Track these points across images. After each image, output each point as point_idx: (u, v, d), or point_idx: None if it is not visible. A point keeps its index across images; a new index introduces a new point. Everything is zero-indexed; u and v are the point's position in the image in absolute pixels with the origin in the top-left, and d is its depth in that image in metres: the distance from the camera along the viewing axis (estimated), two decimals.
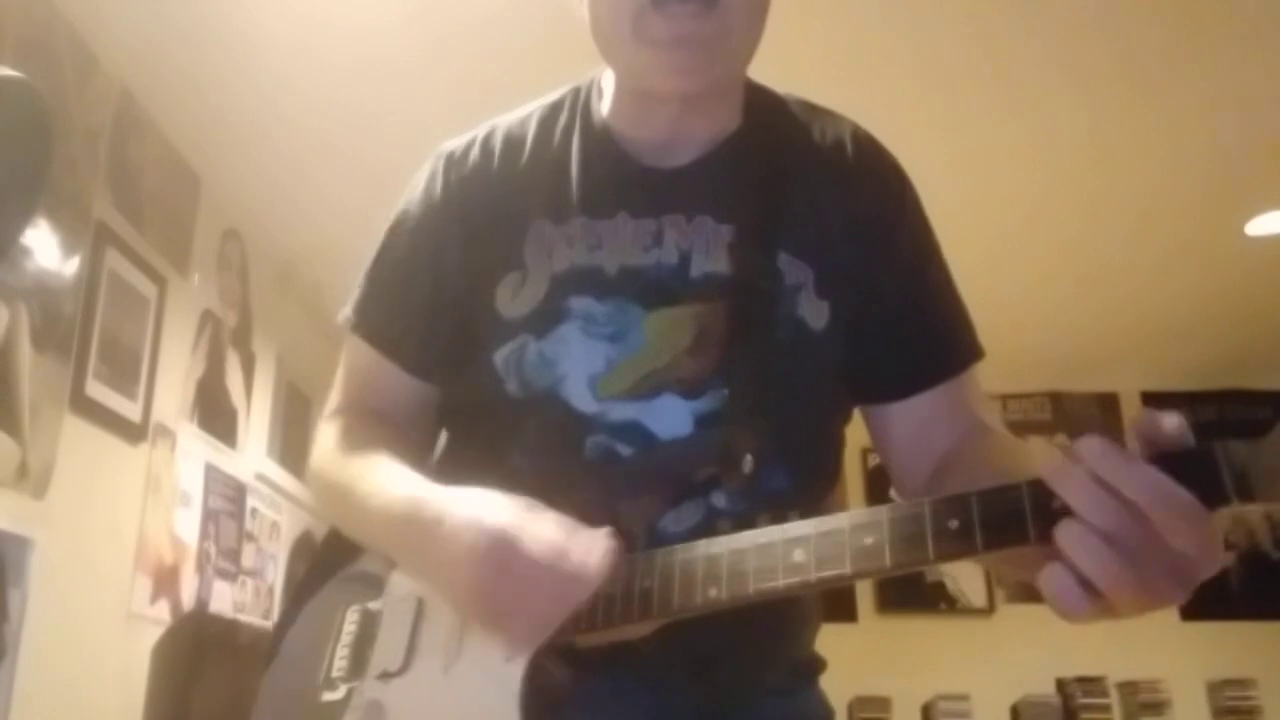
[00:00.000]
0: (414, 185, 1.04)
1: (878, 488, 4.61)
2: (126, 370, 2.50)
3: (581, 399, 0.89)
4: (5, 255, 2.00)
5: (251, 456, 3.27)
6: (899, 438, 0.96)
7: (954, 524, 0.65)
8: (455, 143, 1.04)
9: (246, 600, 3.15)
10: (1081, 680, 4.18)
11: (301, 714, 0.92)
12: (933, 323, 0.96)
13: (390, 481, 0.89)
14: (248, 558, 3.18)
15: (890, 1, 2.35)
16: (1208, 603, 4.39)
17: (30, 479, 2.09)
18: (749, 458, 0.84)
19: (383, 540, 0.91)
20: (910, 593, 4.46)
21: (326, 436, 1.01)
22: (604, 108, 0.99)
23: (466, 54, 2.46)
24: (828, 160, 0.97)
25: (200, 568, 2.85)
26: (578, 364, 0.89)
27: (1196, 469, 0.58)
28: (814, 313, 0.91)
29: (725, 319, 0.89)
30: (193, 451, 2.84)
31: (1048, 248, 3.49)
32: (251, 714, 0.99)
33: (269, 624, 3.31)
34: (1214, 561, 0.58)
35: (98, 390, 2.35)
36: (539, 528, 0.77)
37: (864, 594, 4.47)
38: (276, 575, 3.44)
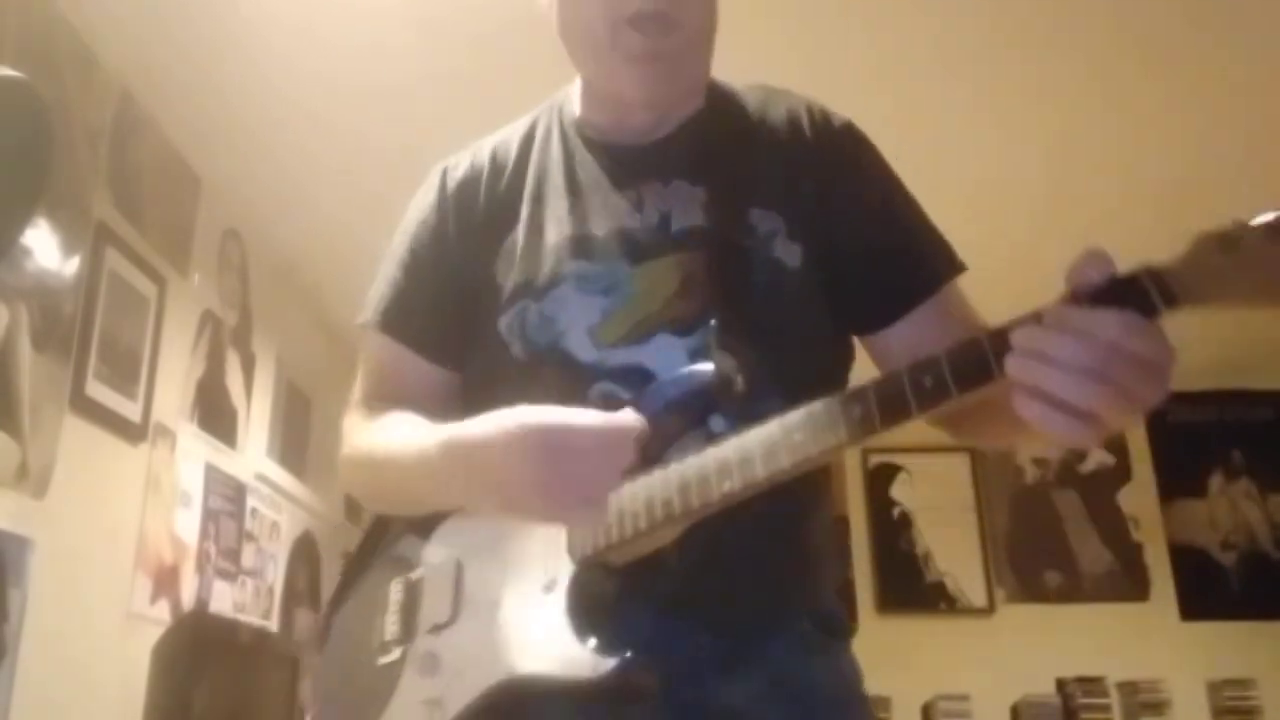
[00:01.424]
0: (417, 197, 1.15)
1: (878, 487, 4.62)
2: (126, 370, 2.50)
3: (582, 349, 0.97)
4: (5, 255, 2.00)
5: (251, 456, 3.27)
6: (899, 363, 1.00)
7: (928, 380, 0.75)
8: (451, 158, 1.15)
9: (246, 600, 3.15)
10: (1081, 680, 4.18)
11: (362, 681, 0.99)
12: (905, 244, 1.03)
13: (416, 432, 0.97)
14: (248, 558, 3.18)
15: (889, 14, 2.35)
16: (1208, 603, 4.41)
17: (30, 479, 2.09)
18: (740, 378, 0.91)
19: (425, 482, 0.96)
20: (910, 593, 4.47)
21: (351, 425, 1.10)
22: (577, 109, 1.11)
23: (469, 65, 2.46)
24: (785, 126, 1.07)
25: (200, 568, 2.85)
26: (575, 318, 0.98)
27: (1128, 291, 0.70)
28: (788, 254, 1.00)
29: (707, 263, 0.98)
30: (193, 451, 2.84)
31: (1047, 247, 3.48)
32: (312, 692, 1.03)
33: (269, 624, 3.31)
34: (1170, 358, 0.70)
35: (98, 390, 2.35)
36: (565, 411, 0.86)
37: (864, 594, 4.47)
38: (276, 575, 3.43)
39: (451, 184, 1.11)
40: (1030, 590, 4.45)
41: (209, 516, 2.91)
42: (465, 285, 1.05)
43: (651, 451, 0.89)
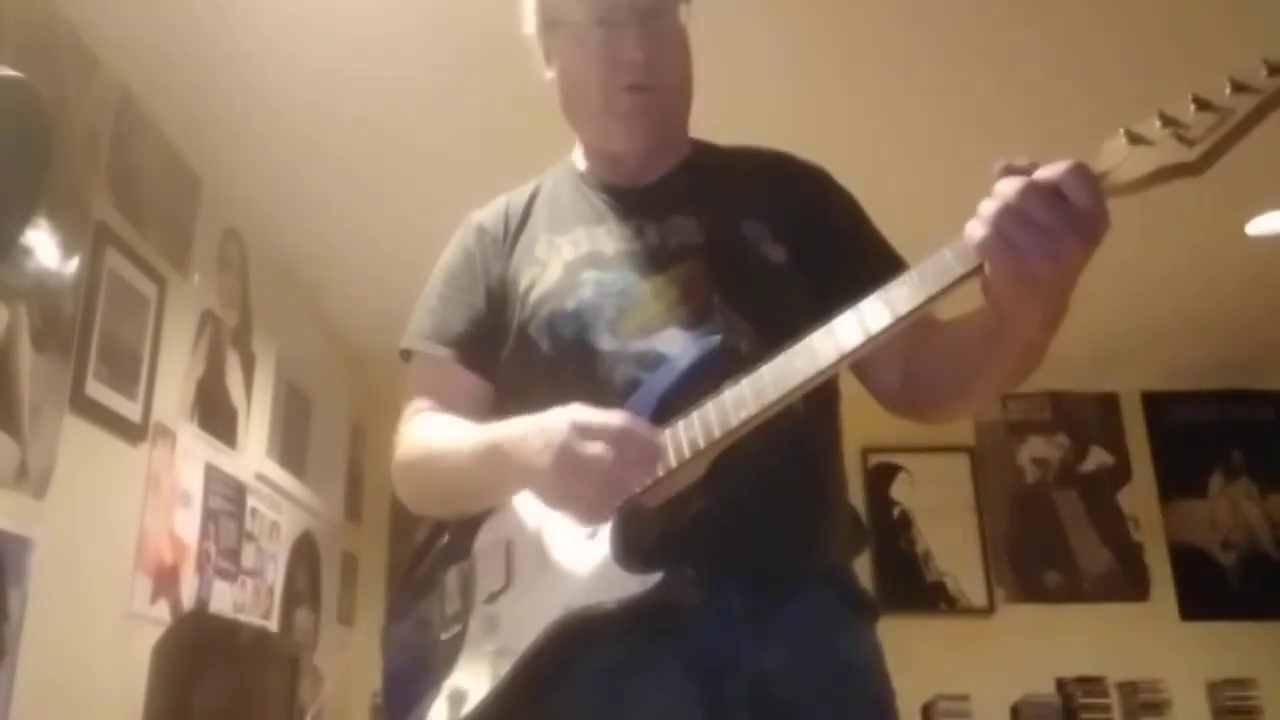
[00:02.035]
0: (449, 245, 1.31)
1: (878, 487, 4.62)
2: (126, 370, 2.50)
3: (603, 339, 1.11)
4: (5, 255, 2.00)
5: (251, 456, 3.27)
6: (867, 360, 1.10)
7: (903, 290, 0.87)
8: (474, 211, 1.32)
9: (246, 600, 3.15)
10: (1081, 680, 4.18)
11: (430, 658, 1.10)
12: (873, 260, 1.15)
13: (464, 434, 1.11)
14: (248, 558, 3.18)
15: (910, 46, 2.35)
16: (1208, 603, 4.41)
17: (30, 479, 2.09)
18: (744, 342, 1.06)
19: (472, 477, 1.08)
20: (910, 593, 4.46)
21: (402, 438, 1.22)
22: (580, 166, 1.30)
23: (464, 60, 2.46)
24: (765, 161, 1.28)
25: (200, 568, 2.85)
26: (596, 314, 1.12)
27: None
28: (774, 252, 1.16)
29: (706, 269, 1.14)
30: (193, 451, 2.84)
31: None
32: (383, 680, 1.17)
33: (269, 624, 3.31)
34: (1105, 216, 0.86)
35: (98, 390, 2.35)
36: (598, 414, 0.97)
37: None
38: (276, 575, 3.44)
39: (476, 226, 1.29)
40: (1030, 590, 4.45)
41: (209, 516, 2.91)
42: (497, 306, 1.21)
43: (676, 418, 0.99)
